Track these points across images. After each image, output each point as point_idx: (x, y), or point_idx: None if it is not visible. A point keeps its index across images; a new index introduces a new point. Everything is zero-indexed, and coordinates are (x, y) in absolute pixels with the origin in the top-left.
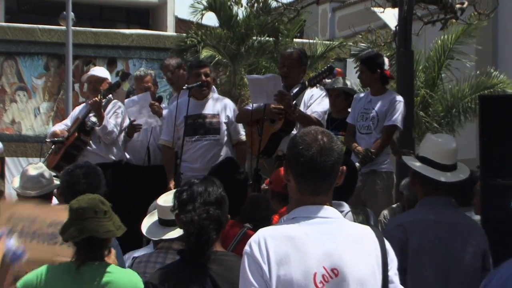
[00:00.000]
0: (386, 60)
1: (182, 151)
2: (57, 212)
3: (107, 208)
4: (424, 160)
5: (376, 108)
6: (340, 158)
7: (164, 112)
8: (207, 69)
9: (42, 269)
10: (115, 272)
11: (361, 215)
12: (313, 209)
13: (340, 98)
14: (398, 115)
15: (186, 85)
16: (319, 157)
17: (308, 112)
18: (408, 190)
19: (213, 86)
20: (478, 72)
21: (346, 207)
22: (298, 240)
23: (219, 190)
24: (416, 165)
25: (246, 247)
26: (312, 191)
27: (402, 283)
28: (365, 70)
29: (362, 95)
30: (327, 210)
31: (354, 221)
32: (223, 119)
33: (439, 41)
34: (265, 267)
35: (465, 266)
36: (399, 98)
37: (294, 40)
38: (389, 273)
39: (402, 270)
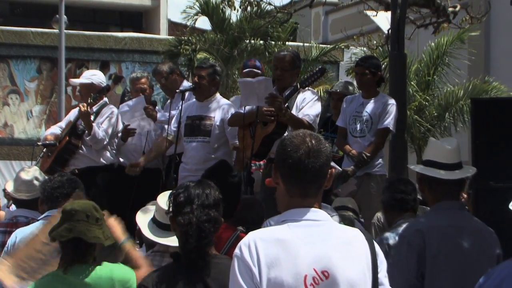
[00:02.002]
0: (380, 64)
1: (175, 152)
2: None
3: (100, 216)
4: (428, 163)
5: (369, 111)
6: (329, 161)
7: (159, 115)
8: (202, 72)
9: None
10: (104, 272)
11: (347, 219)
12: (302, 212)
13: (342, 102)
14: (391, 118)
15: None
16: (307, 159)
17: (300, 115)
18: (382, 193)
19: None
20: (473, 79)
21: (332, 211)
22: (288, 243)
23: (217, 192)
24: (419, 167)
25: (236, 250)
26: (301, 193)
27: None
28: (368, 73)
29: (351, 97)
30: (317, 213)
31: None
32: (217, 122)
33: (432, 44)
34: (255, 270)
35: (482, 271)
36: (392, 101)
37: (288, 43)
38: (379, 275)
39: (420, 276)
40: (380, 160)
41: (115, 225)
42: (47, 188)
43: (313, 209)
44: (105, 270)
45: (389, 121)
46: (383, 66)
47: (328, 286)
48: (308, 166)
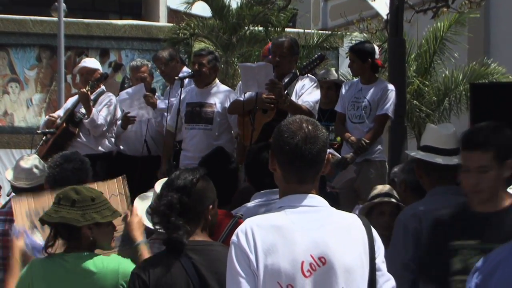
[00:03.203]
0: (376, 49)
1: (174, 139)
2: None
3: (78, 198)
4: (426, 148)
5: (368, 97)
6: (325, 146)
7: (159, 102)
8: (202, 59)
9: (31, 264)
10: (112, 263)
11: None
12: (299, 198)
13: (332, 90)
14: (390, 104)
15: (180, 74)
16: (304, 145)
17: (299, 102)
18: (406, 173)
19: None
20: (474, 63)
21: None
22: (285, 229)
23: (192, 177)
24: (420, 154)
25: (233, 237)
26: (298, 179)
27: (416, 272)
28: (356, 60)
29: (350, 83)
30: (314, 199)
31: None
32: (218, 109)
33: (431, 29)
34: (252, 257)
35: None
36: (391, 86)
37: (287, 29)
38: (376, 261)
39: (416, 259)
40: (379, 146)
41: (135, 225)
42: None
43: (310, 195)
44: (113, 262)
45: (388, 107)
46: (382, 50)
47: (325, 272)
48: (305, 152)
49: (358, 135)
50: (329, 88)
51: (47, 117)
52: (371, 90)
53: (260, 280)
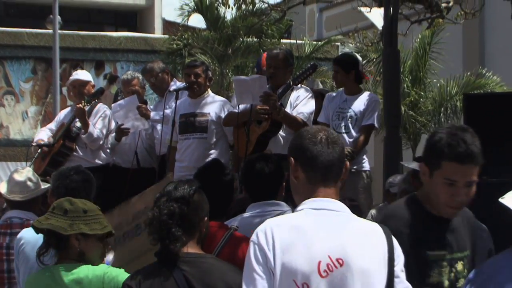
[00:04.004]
0: (360, 60)
1: (168, 151)
2: (136, 204)
3: (70, 208)
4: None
5: (353, 108)
6: (343, 152)
7: (152, 114)
8: (197, 69)
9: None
10: (86, 270)
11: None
12: (320, 201)
13: (318, 99)
14: (375, 115)
15: (169, 88)
16: (327, 147)
17: (294, 113)
18: (407, 184)
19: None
20: (469, 73)
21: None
22: (304, 229)
23: (189, 189)
24: (414, 164)
25: (253, 236)
26: (320, 181)
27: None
28: (339, 70)
29: (334, 94)
30: (335, 203)
31: None
32: (213, 118)
33: (420, 35)
34: (270, 254)
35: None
36: (376, 97)
37: (282, 40)
38: (395, 268)
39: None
40: (365, 156)
41: None
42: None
43: (330, 199)
44: (99, 270)
45: (374, 117)
46: (377, 62)
47: (342, 274)
48: (326, 153)
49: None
50: (315, 98)
51: (36, 137)
52: (356, 101)
53: (276, 278)
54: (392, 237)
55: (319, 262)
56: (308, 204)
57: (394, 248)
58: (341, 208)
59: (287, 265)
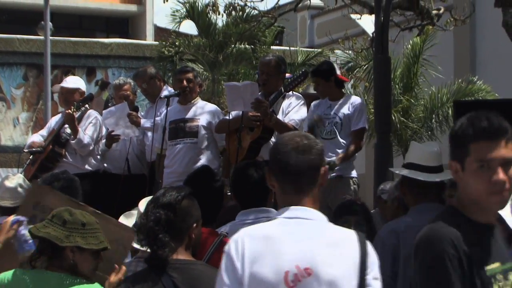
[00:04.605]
0: (335, 65)
1: (159, 159)
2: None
3: (69, 219)
4: (410, 165)
5: (338, 113)
6: (321, 159)
7: (142, 121)
8: (189, 75)
9: (9, 273)
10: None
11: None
12: (294, 210)
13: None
14: (363, 118)
15: (161, 94)
16: (296, 154)
17: (286, 120)
18: (399, 190)
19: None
20: (460, 80)
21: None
22: (274, 239)
23: (177, 195)
24: (404, 171)
25: (226, 246)
26: (293, 190)
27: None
28: (320, 81)
29: (316, 102)
30: (309, 212)
31: None
32: (203, 123)
33: (411, 42)
34: (239, 265)
35: None
36: (359, 100)
37: (273, 47)
38: (367, 277)
39: (394, 275)
40: (353, 163)
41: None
42: None
43: (304, 208)
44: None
45: (363, 120)
46: (368, 69)
47: (310, 284)
48: (298, 161)
49: (328, 150)
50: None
51: (30, 140)
52: (341, 106)
53: None
54: (368, 244)
55: (287, 272)
56: (281, 213)
57: (368, 256)
58: (315, 216)
59: (255, 276)
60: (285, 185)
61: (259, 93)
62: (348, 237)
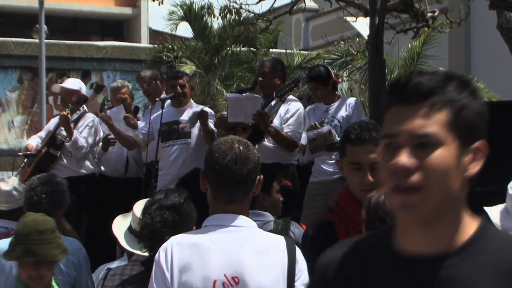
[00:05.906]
0: (329, 68)
1: (156, 159)
2: None
3: (47, 228)
4: None
5: (337, 116)
6: (257, 167)
7: (140, 123)
8: (182, 80)
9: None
10: None
11: (281, 224)
12: (224, 218)
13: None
14: (362, 115)
15: (162, 96)
16: (234, 165)
17: (285, 128)
18: None
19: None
20: None
21: (269, 217)
22: (202, 247)
23: (179, 198)
24: None
25: (156, 255)
26: (226, 199)
27: None
28: (318, 87)
29: (311, 107)
30: (239, 219)
31: (272, 230)
32: (197, 124)
33: (409, 45)
34: (168, 274)
35: None
36: (355, 99)
37: (271, 50)
38: (296, 283)
39: None
40: None
41: None
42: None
43: (235, 215)
44: None
45: (363, 118)
46: (363, 71)
47: None
48: (235, 172)
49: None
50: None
51: (26, 142)
52: (338, 109)
53: None
54: (297, 250)
55: (215, 281)
56: (211, 221)
57: (296, 262)
58: (245, 223)
59: (184, 284)
60: (219, 193)
61: (260, 95)
62: (277, 243)
